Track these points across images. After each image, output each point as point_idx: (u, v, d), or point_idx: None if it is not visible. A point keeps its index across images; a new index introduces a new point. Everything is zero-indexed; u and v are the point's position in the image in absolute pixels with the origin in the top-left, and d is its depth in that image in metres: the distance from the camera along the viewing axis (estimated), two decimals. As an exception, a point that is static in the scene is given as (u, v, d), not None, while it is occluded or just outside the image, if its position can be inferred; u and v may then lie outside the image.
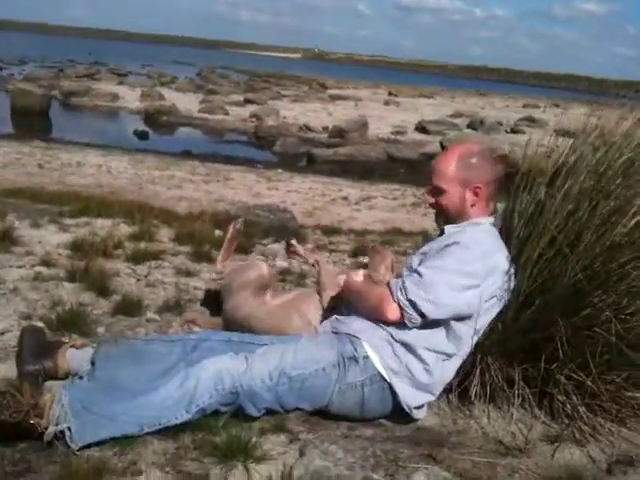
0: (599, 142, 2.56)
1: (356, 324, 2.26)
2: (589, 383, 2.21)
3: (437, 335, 2.18)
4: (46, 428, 1.90)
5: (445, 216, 2.37)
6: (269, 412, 2.14)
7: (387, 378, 2.14)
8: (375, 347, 2.16)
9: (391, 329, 2.19)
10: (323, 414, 2.19)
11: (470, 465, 1.97)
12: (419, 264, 2.24)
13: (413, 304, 2.12)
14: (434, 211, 2.43)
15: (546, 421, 2.29)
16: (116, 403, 2.00)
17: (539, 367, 2.26)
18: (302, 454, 1.93)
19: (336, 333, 2.29)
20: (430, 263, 2.20)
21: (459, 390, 2.34)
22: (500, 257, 2.23)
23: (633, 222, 2.28)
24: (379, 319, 2.21)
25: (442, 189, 2.33)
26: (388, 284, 2.22)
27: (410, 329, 2.16)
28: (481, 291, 2.15)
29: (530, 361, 2.31)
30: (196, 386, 2.03)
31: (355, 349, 2.16)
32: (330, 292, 2.59)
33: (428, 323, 2.16)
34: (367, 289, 2.38)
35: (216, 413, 2.09)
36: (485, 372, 2.32)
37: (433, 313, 2.12)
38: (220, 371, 2.07)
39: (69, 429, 1.89)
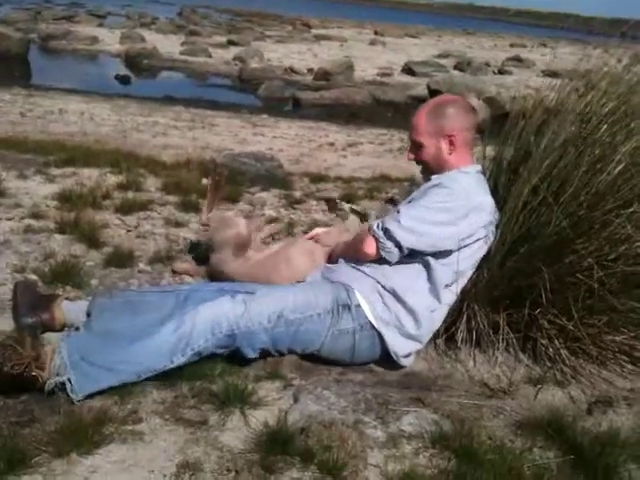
0: (585, 89, 2.58)
1: (347, 273, 2.32)
2: (571, 327, 2.29)
3: (421, 280, 2.25)
4: (47, 380, 1.95)
5: (429, 170, 2.41)
6: (262, 355, 2.20)
7: (377, 327, 2.21)
8: (366, 296, 2.22)
9: (379, 276, 2.25)
10: (314, 360, 2.26)
11: (457, 407, 2.06)
12: None
13: (387, 232, 2.20)
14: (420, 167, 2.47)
15: (529, 364, 2.38)
16: (113, 352, 2.04)
17: (523, 313, 2.34)
18: (296, 399, 2.01)
19: (329, 281, 2.34)
20: (410, 203, 2.28)
21: (446, 336, 2.42)
22: (482, 199, 2.28)
23: (617, 170, 2.32)
24: (360, 258, 2.29)
25: (419, 143, 2.37)
26: (370, 226, 2.29)
27: (394, 271, 2.24)
28: (459, 229, 2.21)
29: (514, 307, 2.39)
30: (192, 330, 2.06)
31: (348, 297, 2.22)
32: None
33: (409, 263, 2.24)
34: (351, 241, 2.45)
35: (212, 361, 2.16)
36: (471, 318, 2.39)
37: (407, 241, 2.19)
38: (217, 315, 2.10)
39: (69, 380, 1.94)
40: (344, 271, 2.35)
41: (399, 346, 2.25)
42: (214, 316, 2.10)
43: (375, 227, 2.24)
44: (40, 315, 2.31)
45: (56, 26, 25.57)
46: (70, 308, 2.36)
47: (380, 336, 2.23)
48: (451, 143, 2.33)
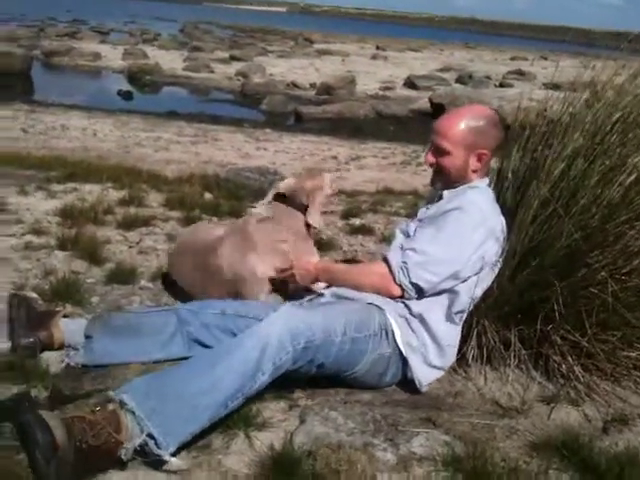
0: (593, 99, 2.53)
1: (371, 295, 2.21)
2: (584, 343, 2.22)
3: (445, 306, 2.18)
4: (126, 443, 1.67)
5: (445, 179, 2.29)
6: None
7: (405, 353, 2.14)
8: (397, 321, 2.14)
9: (407, 300, 2.17)
10: (320, 379, 2.16)
11: (469, 427, 1.99)
12: (415, 231, 2.24)
13: (416, 286, 2.11)
14: (432, 171, 2.33)
15: (542, 381, 2.31)
16: (189, 383, 1.78)
17: (535, 328, 2.28)
18: (302, 421, 1.94)
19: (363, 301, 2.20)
20: (429, 233, 2.16)
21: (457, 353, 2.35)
22: (495, 221, 2.20)
23: (629, 180, 2.27)
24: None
25: (446, 150, 2.22)
26: (386, 259, 2.18)
27: (420, 300, 2.16)
28: (478, 255, 2.14)
29: (526, 322, 2.33)
30: (272, 343, 1.85)
31: (386, 321, 2.13)
32: None
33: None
34: (359, 270, 2.36)
35: None
36: (482, 334, 2.33)
37: (434, 289, 2.13)
38: (294, 325, 1.91)
39: (151, 436, 1.68)
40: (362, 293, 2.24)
41: (424, 375, 2.18)
42: (291, 325, 1.90)
43: (401, 276, 2.12)
44: (37, 334, 2.24)
45: (59, 43, 25.75)
46: (69, 327, 2.29)
47: (405, 362, 2.15)
48: (479, 160, 2.23)
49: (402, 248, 2.19)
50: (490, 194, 2.30)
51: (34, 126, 11.25)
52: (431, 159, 2.29)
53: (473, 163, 2.24)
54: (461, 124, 2.21)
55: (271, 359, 1.85)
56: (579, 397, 2.23)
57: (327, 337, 1.96)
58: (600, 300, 2.19)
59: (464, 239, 2.12)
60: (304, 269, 2.42)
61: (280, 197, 2.74)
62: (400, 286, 2.13)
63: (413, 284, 2.11)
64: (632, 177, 2.26)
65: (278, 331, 1.87)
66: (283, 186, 2.75)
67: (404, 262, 2.13)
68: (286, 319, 1.92)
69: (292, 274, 2.44)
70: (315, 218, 2.72)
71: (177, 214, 4.27)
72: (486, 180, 2.34)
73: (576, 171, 2.31)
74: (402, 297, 2.15)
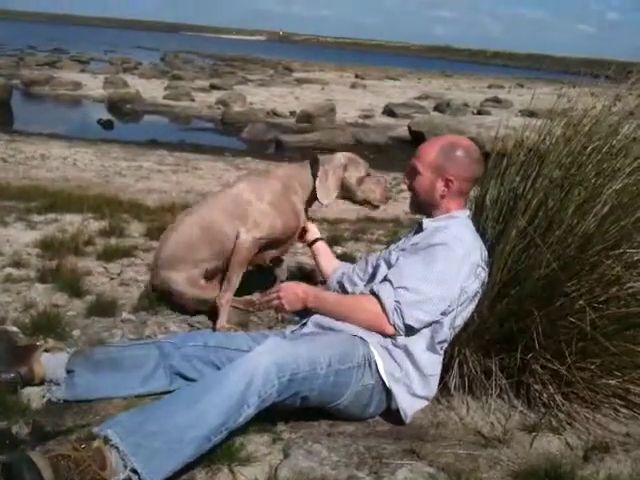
0: (569, 132, 2.59)
1: (353, 326, 2.22)
2: (564, 372, 2.25)
3: (427, 337, 2.20)
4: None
5: (415, 200, 2.40)
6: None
7: (388, 384, 2.14)
8: (380, 352, 2.15)
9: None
10: (303, 410, 2.15)
11: (452, 458, 2.00)
12: (397, 260, 2.26)
13: (408, 326, 2.13)
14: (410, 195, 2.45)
15: (523, 410, 2.33)
16: (173, 416, 1.77)
17: (515, 357, 2.30)
18: (286, 455, 1.94)
19: (347, 333, 2.20)
20: (419, 270, 2.17)
21: (439, 383, 2.37)
22: (477, 257, 2.24)
23: (604, 211, 2.32)
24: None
25: (417, 170, 2.34)
26: (378, 296, 2.17)
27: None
28: (463, 289, 2.17)
29: (506, 351, 2.35)
30: (258, 376, 1.85)
31: (370, 351, 2.14)
32: None
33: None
34: (351, 303, 2.31)
35: None
36: (463, 364, 2.35)
37: (422, 322, 2.15)
38: (280, 357, 1.91)
39: (134, 471, 1.67)
40: (345, 323, 2.24)
41: (408, 404, 2.18)
42: (276, 358, 1.90)
43: (395, 317, 2.12)
44: (18, 369, 2.22)
45: (39, 72, 25.74)
46: (50, 361, 2.27)
47: (388, 392, 2.16)
48: (447, 186, 2.30)
49: (391, 283, 2.17)
50: (470, 226, 2.34)
51: (14, 156, 11.18)
52: (405, 180, 2.43)
53: (440, 187, 2.31)
54: (436, 147, 2.32)
55: (257, 392, 1.84)
56: (560, 425, 2.25)
57: (312, 370, 1.97)
58: (579, 329, 2.23)
59: (452, 277, 2.15)
60: (292, 293, 2.34)
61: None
62: (393, 326, 2.14)
63: (406, 325, 2.13)
64: (607, 207, 2.31)
65: (265, 364, 1.87)
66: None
67: (397, 302, 2.13)
68: (272, 352, 1.92)
69: (278, 297, 2.35)
70: (323, 193, 2.86)
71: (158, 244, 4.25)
72: (466, 211, 2.39)
73: (553, 202, 2.36)
74: (392, 335, 2.17)
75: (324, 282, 2.95)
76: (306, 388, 1.97)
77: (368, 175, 2.93)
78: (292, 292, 2.34)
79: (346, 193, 2.94)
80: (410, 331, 2.15)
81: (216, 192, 3.23)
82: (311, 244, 3.01)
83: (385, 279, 2.23)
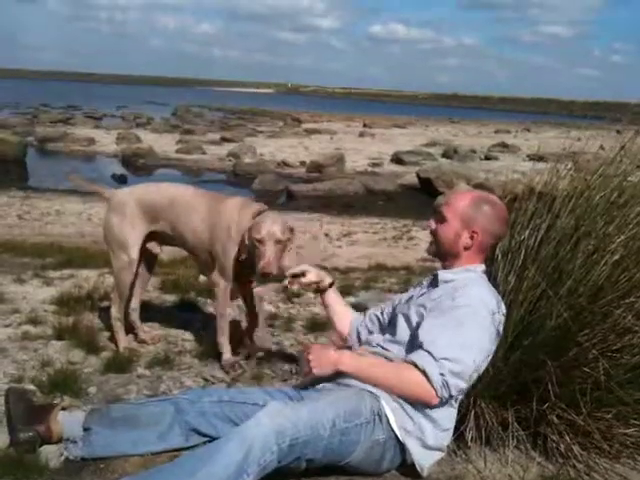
0: (578, 182, 2.63)
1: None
2: (580, 422, 2.25)
3: None
4: None
5: (437, 247, 2.38)
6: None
7: (401, 438, 2.13)
8: (392, 407, 2.13)
9: None
10: (320, 468, 2.11)
11: (471, 514, 1.98)
12: (419, 319, 2.25)
13: (451, 396, 2.11)
14: (431, 239, 2.44)
15: (541, 461, 2.32)
16: None
17: (531, 408, 2.30)
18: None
19: (357, 388, 2.19)
20: (452, 337, 2.11)
21: (455, 434, 2.35)
22: (499, 312, 2.22)
23: (614, 259, 2.34)
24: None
25: (445, 217, 2.32)
26: (421, 369, 2.08)
27: None
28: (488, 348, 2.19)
29: (522, 402, 2.35)
30: (256, 444, 1.86)
31: (380, 406, 2.13)
32: None
33: None
34: (393, 373, 2.18)
35: None
36: (479, 416, 2.35)
37: (459, 387, 2.11)
38: (279, 423, 1.91)
39: None
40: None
41: (424, 457, 2.17)
42: (275, 424, 1.90)
43: (444, 391, 2.06)
44: (36, 428, 2.24)
45: (53, 129, 26.34)
46: (67, 420, 2.29)
47: (402, 446, 2.14)
48: (471, 237, 2.28)
49: (431, 355, 2.08)
50: (486, 281, 2.32)
51: (29, 212, 11.39)
52: (431, 224, 2.39)
53: (465, 239, 2.29)
54: (468, 198, 2.33)
55: (256, 460, 1.85)
56: (579, 476, 2.23)
57: (314, 432, 1.97)
58: (593, 378, 2.23)
59: (487, 342, 2.16)
60: (324, 356, 2.21)
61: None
62: (440, 398, 2.09)
63: (452, 396, 2.11)
64: (616, 256, 2.33)
65: (264, 431, 1.88)
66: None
67: (442, 374, 2.06)
68: (271, 418, 1.93)
69: (307, 360, 2.21)
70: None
71: (172, 297, 4.30)
72: (482, 266, 2.35)
73: (563, 253, 2.38)
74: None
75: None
76: (310, 450, 1.98)
77: (288, 240, 2.91)
78: (324, 355, 2.21)
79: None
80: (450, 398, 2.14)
81: None
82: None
83: (419, 346, 2.15)
